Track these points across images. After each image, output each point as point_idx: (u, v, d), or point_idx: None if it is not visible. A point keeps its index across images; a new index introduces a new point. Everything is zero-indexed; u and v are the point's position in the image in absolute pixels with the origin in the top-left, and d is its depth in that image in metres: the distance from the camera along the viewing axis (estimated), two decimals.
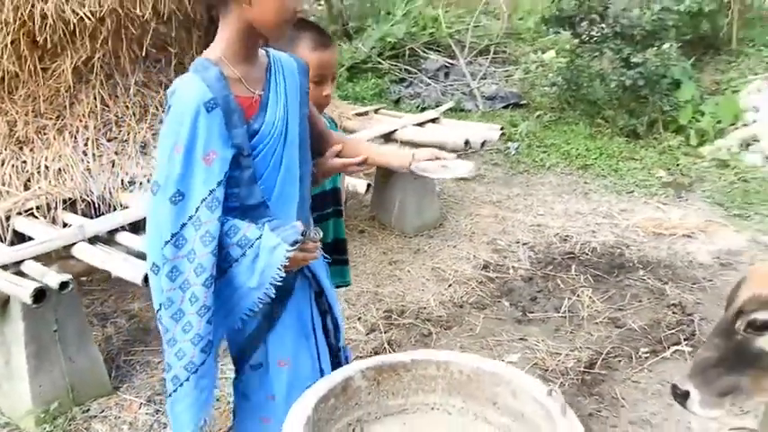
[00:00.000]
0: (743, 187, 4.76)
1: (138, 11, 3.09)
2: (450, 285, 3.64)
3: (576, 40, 6.09)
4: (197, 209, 1.49)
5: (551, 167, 5.40)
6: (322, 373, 1.86)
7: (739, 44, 6.66)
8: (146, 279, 2.40)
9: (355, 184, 3.55)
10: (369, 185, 3.63)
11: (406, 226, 4.24)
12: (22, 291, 2.24)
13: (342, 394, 1.87)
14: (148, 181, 3.21)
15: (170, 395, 1.64)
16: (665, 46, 5.50)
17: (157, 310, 1.58)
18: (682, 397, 1.96)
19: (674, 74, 5.84)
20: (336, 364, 1.95)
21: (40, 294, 2.24)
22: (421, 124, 4.31)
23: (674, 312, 3.31)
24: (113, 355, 2.98)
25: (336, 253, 2.16)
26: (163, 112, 3.42)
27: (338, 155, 1.84)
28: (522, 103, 6.73)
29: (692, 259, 3.87)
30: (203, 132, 1.47)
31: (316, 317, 1.86)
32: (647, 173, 5.16)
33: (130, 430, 2.55)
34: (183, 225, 1.49)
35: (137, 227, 2.86)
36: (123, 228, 2.79)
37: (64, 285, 2.31)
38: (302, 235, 1.56)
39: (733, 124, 5.60)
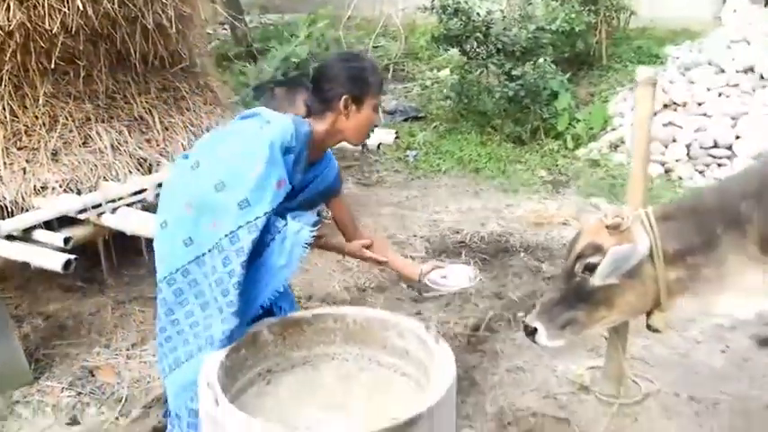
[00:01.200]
0: (610, 182, 5.39)
1: (46, 25, 3.28)
2: (353, 274, 3.98)
3: (465, 58, 6.65)
4: (257, 218, 1.79)
5: (446, 171, 5.87)
6: None
7: (609, 60, 7.46)
8: (66, 266, 2.62)
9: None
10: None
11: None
12: None
13: (252, 346, 2.15)
14: (60, 186, 3.39)
15: (201, 350, 1.95)
16: (541, 60, 6.13)
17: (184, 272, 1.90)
18: (531, 333, 2.38)
19: (552, 86, 6.49)
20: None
21: None
22: None
23: (547, 284, 3.78)
24: (32, 350, 3.11)
25: None
26: (71, 120, 3.62)
27: (367, 247, 2.25)
28: (420, 115, 7.21)
29: (565, 242, 4.38)
30: (279, 156, 1.84)
31: None
32: (531, 173, 5.73)
33: (54, 411, 2.71)
34: (240, 227, 1.78)
35: (51, 225, 3.04)
36: (39, 225, 2.96)
37: None
38: (318, 215, 1.93)
39: (603, 129, 6.29)
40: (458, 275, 2.33)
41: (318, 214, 1.99)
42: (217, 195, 1.82)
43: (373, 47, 8.39)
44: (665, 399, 2.73)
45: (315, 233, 1.90)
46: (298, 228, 1.88)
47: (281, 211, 1.94)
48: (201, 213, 1.85)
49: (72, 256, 2.65)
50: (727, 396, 2.73)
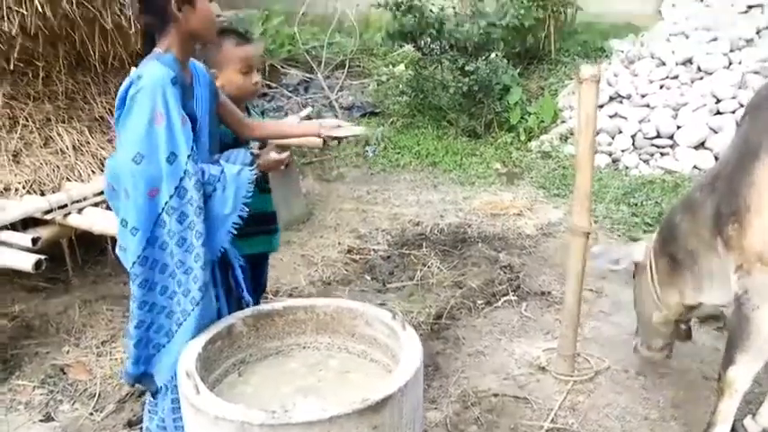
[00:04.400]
0: (561, 173, 5.61)
1: (4, 27, 3.27)
2: (318, 268, 4.08)
3: (419, 54, 6.79)
4: (186, 163, 1.87)
5: (405, 166, 6.01)
6: (219, 313, 2.21)
7: (557, 54, 7.70)
8: (36, 266, 2.65)
9: None
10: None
11: None
12: None
13: (227, 337, 2.25)
14: (23, 187, 3.39)
15: (192, 310, 2.02)
16: (493, 56, 6.32)
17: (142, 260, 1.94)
18: None
19: (504, 81, 6.69)
20: (239, 309, 2.31)
21: None
22: None
23: (504, 272, 3.96)
24: (0, 350, 3.12)
25: (265, 224, 2.57)
26: (31, 121, 3.61)
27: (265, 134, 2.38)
28: (377, 111, 7.33)
29: (520, 231, 4.58)
30: (173, 102, 1.86)
31: (217, 271, 2.21)
32: (486, 166, 5.91)
33: (27, 409, 2.74)
34: (182, 178, 1.87)
35: (14, 226, 3.05)
36: (6, 227, 2.97)
37: None
38: (251, 154, 2.04)
39: (554, 122, 6.52)
40: (350, 127, 2.53)
41: (251, 153, 2.10)
42: (140, 166, 1.86)
43: (328, 43, 8.46)
44: (615, 375, 2.94)
45: (254, 170, 2.02)
46: (236, 170, 2.01)
47: (208, 149, 2.06)
48: (136, 190, 1.88)
49: (43, 257, 2.69)
50: (671, 370, 2.94)
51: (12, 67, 3.46)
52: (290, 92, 7.82)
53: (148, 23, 2.01)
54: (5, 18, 3.25)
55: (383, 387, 1.88)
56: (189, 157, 1.90)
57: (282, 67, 8.24)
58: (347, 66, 8.29)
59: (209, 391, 1.90)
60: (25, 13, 3.26)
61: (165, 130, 1.87)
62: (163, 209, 1.91)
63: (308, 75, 8.11)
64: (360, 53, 8.70)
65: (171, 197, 1.90)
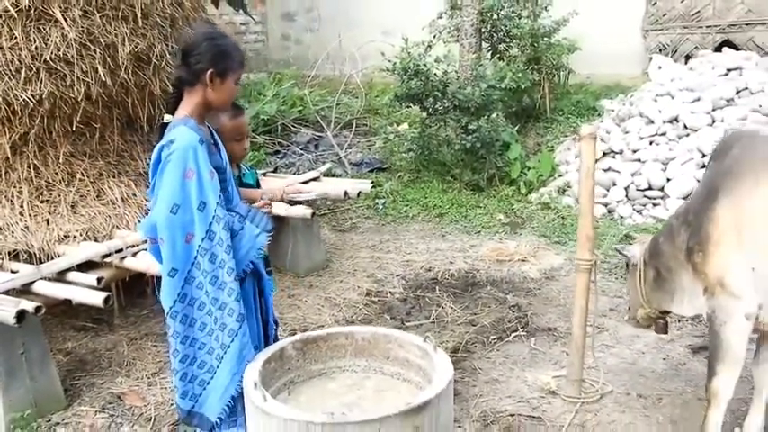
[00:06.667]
0: (561, 222, 6.02)
1: (71, 94, 3.72)
2: (341, 309, 4.43)
3: (425, 113, 7.31)
4: (215, 209, 2.22)
5: (414, 217, 6.43)
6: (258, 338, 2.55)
7: (552, 113, 8.24)
8: (105, 300, 3.01)
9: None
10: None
11: (299, 268, 5.00)
12: (6, 313, 2.75)
13: (279, 360, 2.59)
14: (80, 234, 3.77)
15: (228, 346, 2.31)
16: (493, 115, 6.83)
17: (181, 297, 2.26)
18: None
19: (504, 138, 7.18)
20: (266, 332, 2.64)
21: (21, 315, 2.76)
22: (306, 182, 5.15)
23: (513, 311, 4.32)
24: (61, 380, 3.43)
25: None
26: (87, 176, 4.02)
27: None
28: (384, 167, 7.79)
29: (526, 276, 4.95)
30: (202, 159, 2.22)
31: (254, 300, 2.57)
32: (490, 216, 6.32)
33: (92, 431, 3.05)
34: (210, 223, 2.21)
35: (80, 267, 3.43)
36: (72, 268, 3.34)
37: (38, 309, 2.84)
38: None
39: (551, 176, 6.98)
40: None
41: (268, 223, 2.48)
42: (177, 216, 2.19)
43: (336, 104, 9.00)
44: (619, 397, 3.27)
45: (269, 239, 2.40)
46: (257, 233, 2.39)
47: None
48: (173, 236, 2.20)
49: (110, 293, 3.05)
50: (669, 392, 3.28)
51: (73, 128, 3.89)
52: (301, 149, 8.29)
53: (181, 78, 2.32)
54: (73, 86, 3.69)
55: (423, 394, 2.23)
56: (217, 203, 2.24)
57: (293, 126, 8.76)
58: (354, 125, 8.80)
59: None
60: (91, 81, 3.71)
61: (195, 184, 2.20)
62: (197, 251, 2.24)
63: (317, 133, 8.62)
64: (366, 113, 9.25)
65: (203, 240, 2.23)
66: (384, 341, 2.74)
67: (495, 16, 7.80)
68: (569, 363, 3.29)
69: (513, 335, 3.99)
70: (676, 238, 2.65)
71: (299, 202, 4.39)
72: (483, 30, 7.82)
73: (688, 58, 8.41)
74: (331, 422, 2.12)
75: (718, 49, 8.18)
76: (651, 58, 8.46)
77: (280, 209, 2.77)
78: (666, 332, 3.18)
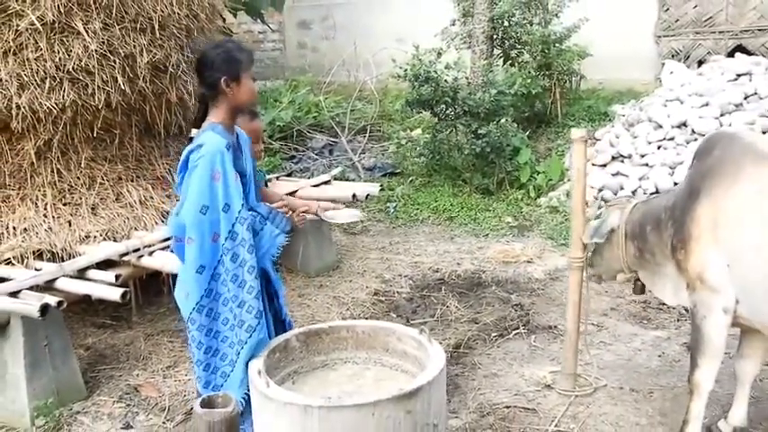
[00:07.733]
0: (568, 225, 6.09)
1: (93, 102, 3.93)
2: (348, 308, 4.59)
3: (436, 119, 7.46)
4: (238, 211, 2.38)
5: (423, 220, 6.57)
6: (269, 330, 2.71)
7: (563, 118, 8.34)
8: (123, 296, 3.20)
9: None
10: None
11: (310, 268, 5.17)
12: (30, 307, 2.95)
13: (283, 351, 2.76)
14: (100, 234, 3.98)
15: (245, 342, 2.47)
16: (503, 120, 6.96)
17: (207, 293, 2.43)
18: None
19: (514, 143, 7.30)
20: (282, 329, 2.81)
21: (45, 309, 2.96)
22: (317, 186, 5.33)
23: (516, 310, 4.44)
24: (81, 372, 3.63)
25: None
26: (107, 180, 4.23)
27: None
28: (396, 171, 7.95)
29: (530, 276, 5.07)
30: (228, 163, 2.39)
31: (265, 299, 2.73)
32: (499, 219, 6.45)
33: (110, 419, 3.24)
34: (233, 224, 2.38)
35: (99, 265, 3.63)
36: (91, 266, 3.54)
37: (60, 303, 3.05)
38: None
39: (561, 180, 7.08)
40: (345, 214, 3.01)
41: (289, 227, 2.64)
42: (206, 216, 2.36)
43: (351, 110, 9.19)
44: (612, 391, 3.38)
45: (287, 241, 2.56)
46: (276, 233, 2.55)
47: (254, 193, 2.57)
48: (202, 236, 2.38)
49: (127, 289, 3.24)
50: (660, 387, 3.39)
51: (94, 135, 4.11)
52: (315, 154, 8.49)
53: (204, 95, 2.52)
54: (94, 94, 3.91)
55: (415, 381, 2.37)
56: (242, 206, 2.41)
57: (309, 131, 8.96)
58: (368, 130, 8.98)
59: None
60: (111, 90, 3.93)
61: (221, 186, 2.37)
62: (222, 251, 2.42)
63: (332, 139, 8.81)
64: (379, 119, 9.42)
65: (225, 239, 2.40)
66: (383, 334, 2.89)
67: (506, 23, 7.93)
68: (564, 357, 3.41)
69: (514, 333, 4.11)
70: (663, 233, 2.75)
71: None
72: (495, 36, 7.96)
73: (701, 63, 8.46)
74: (328, 405, 2.27)
75: (731, 54, 8.22)
76: (664, 64, 8.52)
77: (327, 214, 2.96)
78: (643, 292, 3.17)
